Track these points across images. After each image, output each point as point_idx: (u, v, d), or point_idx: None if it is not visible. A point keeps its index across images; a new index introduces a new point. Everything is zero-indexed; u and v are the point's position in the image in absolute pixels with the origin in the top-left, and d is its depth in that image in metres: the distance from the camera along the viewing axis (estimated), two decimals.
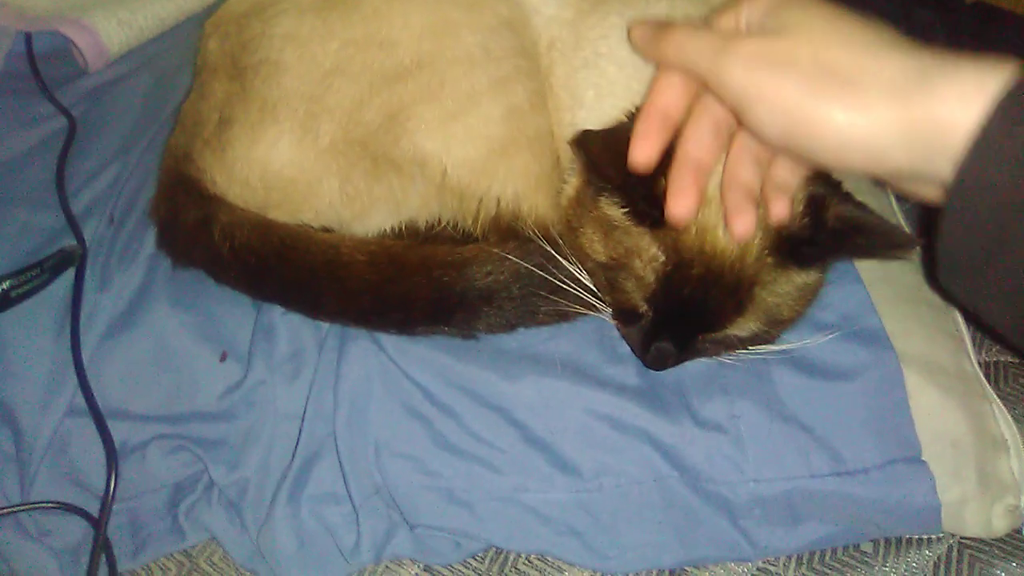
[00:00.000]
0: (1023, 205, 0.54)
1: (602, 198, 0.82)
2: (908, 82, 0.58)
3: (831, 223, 0.77)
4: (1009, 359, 1.03)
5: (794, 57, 0.62)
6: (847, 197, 0.80)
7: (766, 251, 0.77)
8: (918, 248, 0.78)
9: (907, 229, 1.05)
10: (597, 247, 0.84)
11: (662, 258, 0.79)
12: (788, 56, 0.63)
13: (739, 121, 0.71)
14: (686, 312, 0.80)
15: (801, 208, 0.78)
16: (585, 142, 0.78)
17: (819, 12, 0.64)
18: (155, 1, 1.21)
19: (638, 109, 0.83)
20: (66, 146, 1.06)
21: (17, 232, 1.00)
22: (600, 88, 0.90)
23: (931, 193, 0.61)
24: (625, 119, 0.83)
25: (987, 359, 1.02)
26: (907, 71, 0.59)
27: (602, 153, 0.77)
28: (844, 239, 0.77)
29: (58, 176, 1.02)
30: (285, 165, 0.90)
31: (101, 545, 0.84)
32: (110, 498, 0.86)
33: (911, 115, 0.57)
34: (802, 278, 0.80)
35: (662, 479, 0.84)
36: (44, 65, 1.17)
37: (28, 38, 1.19)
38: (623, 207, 0.80)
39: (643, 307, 0.82)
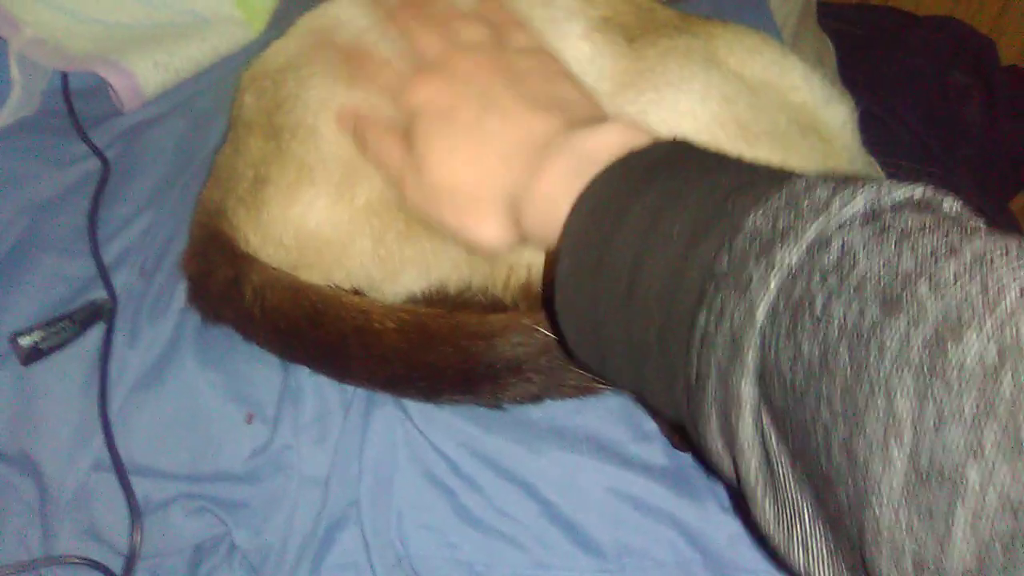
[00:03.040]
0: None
1: None
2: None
3: None
4: None
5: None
6: None
7: None
8: None
9: None
10: None
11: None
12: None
13: None
14: None
15: None
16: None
17: None
18: (191, 43, 1.22)
19: None
20: (98, 191, 1.06)
21: (48, 279, 0.99)
22: None
23: None
24: None
25: None
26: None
27: None
28: None
29: (90, 223, 1.02)
30: (321, 224, 0.90)
31: None
32: (133, 558, 0.86)
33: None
34: None
35: (685, 563, 0.83)
36: (78, 103, 1.17)
37: (64, 76, 1.19)
38: None
39: None
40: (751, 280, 0.51)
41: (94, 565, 0.88)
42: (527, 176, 0.71)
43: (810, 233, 0.50)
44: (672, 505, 0.85)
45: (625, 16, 1.01)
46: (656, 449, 0.88)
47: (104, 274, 0.98)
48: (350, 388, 0.92)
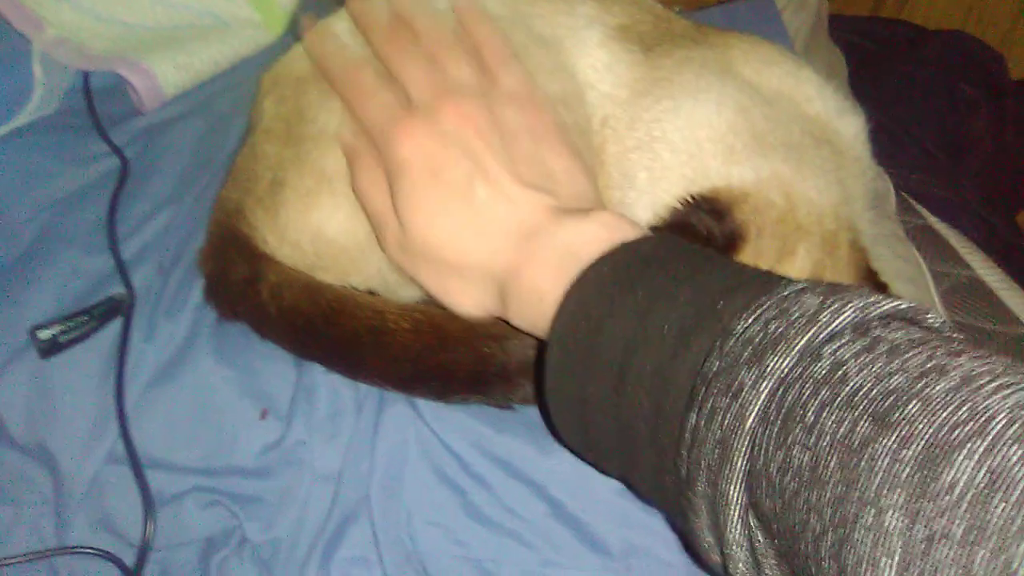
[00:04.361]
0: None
1: None
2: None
3: None
4: None
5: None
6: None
7: None
8: None
9: None
10: None
11: None
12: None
13: None
14: None
15: None
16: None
17: None
18: (211, 45, 1.23)
19: (693, 198, 0.84)
20: (118, 188, 1.07)
21: (67, 274, 1.01)
22: (653, 172, 0.91)
23: None
24: (679, 207, 0.84)
25: None
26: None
27: None
28: None
29: (109, 220, 1.03)
30: (339, 233, 0.91)
31: None
32: (146, 549, 0.87)
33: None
34: None
35: (690, 563, 0.84)
36: (99, 102, 1.19)
37: (85, 75, 1.21)
38: None
39: None
40: (742, 386, 0.52)
41: (107, 556, 0.89)
42: (513, 262, 0.73)
43: (800, 343, 0.51)
44: None
45: (642, 25, 1.03)
46: None
47: (123, 270, 1.00)
48: (363, 386, 0.93)
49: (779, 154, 0.88)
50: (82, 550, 0.90)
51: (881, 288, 0.83)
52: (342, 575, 0.86)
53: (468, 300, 0.79)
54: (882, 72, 1.60)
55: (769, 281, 0.59)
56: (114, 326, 0.96)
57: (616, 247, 0.67)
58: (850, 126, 0.98)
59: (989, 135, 1.58)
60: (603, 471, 0.77)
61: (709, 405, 0.54)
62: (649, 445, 0.61)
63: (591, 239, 0.69)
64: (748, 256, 0.79)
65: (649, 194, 0.90)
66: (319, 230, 0.91)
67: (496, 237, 0.75)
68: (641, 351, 0.60)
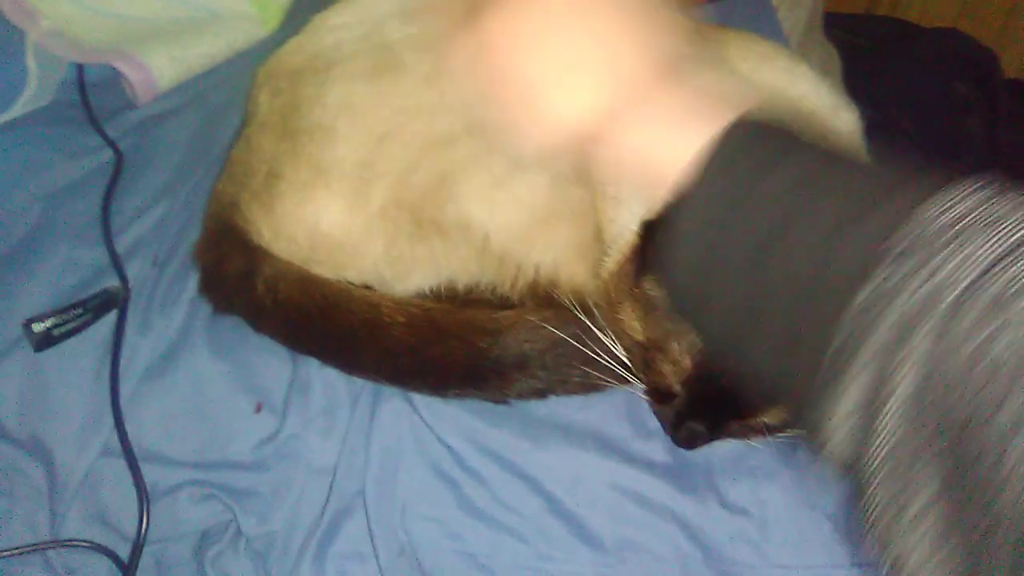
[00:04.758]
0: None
1: (646, 278, 0.83)
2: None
3: None
4: None
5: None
6: None
7: None
8: None
9: None
10: (636, 325, 0.85)
11: (700, 345, 0.80)
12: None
13: None
14: (720, 398, 0.81)
15: None
16: (649, 232, 0.79)
17: None
18: (205, 39, 1.23)
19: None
20: (112, 181, 1.07)
21: (61, 267, 1.01)
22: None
23: None
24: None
25: None
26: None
27: None
28: None
29: (103, 213, 1.03)
30: (334, 227, 0.91)
31: None
32: (141, 542, 0.87)
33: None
34: None
35: (685, 558, 0.85)
36: (93, 95, 1.19)
37: (80, 68, 1.21)
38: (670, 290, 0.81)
39: (677, 388, 0.83)
40: (938, 268, 0.50)
41: (101, 549, 0.89)
42: (624, 96, 0.63)
43: (1017, 234, 0.49)
44: (673, 501, 0.86)
45: None
46: (658, 446, 0.90)
47: (117, 263, 1.00)
48: (358, 381, 0.94)
49: None
50: (76, 543, 0.89)
51: None
52: (337, 569, 0.87)
53: (545, 130, 0.65)
54: (876, 70, 1.60)
55: (945, 173, 0.58)
56: (108, 319, 0.96)
57: (759, 119, 0.62)
58: (846, 122, 0.98)
59: (982, 132, 1.59)
60: (705, 337, 0.71)
61: (890, 282, 0.51)
62: (786, 315, 0.58)
63: (726, 96, 0.63)
64: None
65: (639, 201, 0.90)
66: (314, 223, 0.92)
67: (608, 67, 0.64)
68: (795, 225, 0.56)
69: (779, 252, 0.57)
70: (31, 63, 1.17)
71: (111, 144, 1.13)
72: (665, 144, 0.61)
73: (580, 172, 0.69)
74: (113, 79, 1.20)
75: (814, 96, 0.98)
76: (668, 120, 0.62)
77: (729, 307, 0.61)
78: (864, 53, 1.66)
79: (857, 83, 1.53)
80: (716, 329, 0.65)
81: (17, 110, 1.15)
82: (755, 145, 0.60)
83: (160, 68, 1.18)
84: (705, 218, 0.60)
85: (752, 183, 0.58)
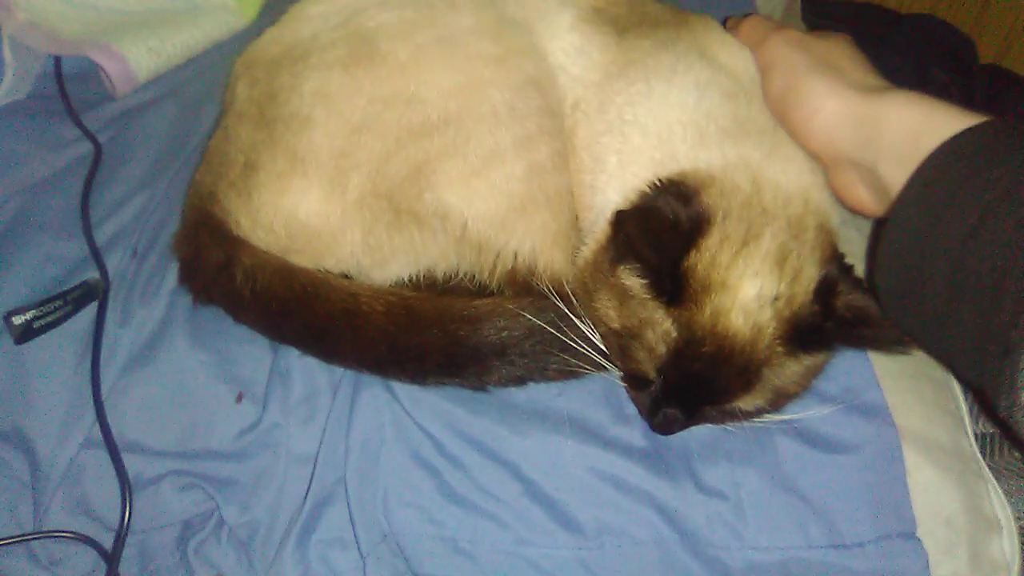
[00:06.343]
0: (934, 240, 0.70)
1: (621, 267, 0.84)
2: (872, 89, 0.83)
3: (841, 311, 0.79)
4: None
5: (810, 47, 0.91)
6: (857, 283, 0.82)
7: (777, 339, 0.79)
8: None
9: None
10: (611, 313, 0.86)
11: (675, 333, 0.81)
12: (806, 45, 0.92)
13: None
14: (695, 384, 0.82)
15: (812, 292, 0.80)
16: (622, 221, 0.81)
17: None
18: (183, 29, 1.23)
19: (660, 181, 0.85)
20: (91, 173, 1.07)
21: (41, 260, 1.01)
22: (623, 155, 0.92)
23: (859, 197, 0.86)
24: (648, 190, 0.85)
25: (983, 430, 1.05)
26: (875, 84, 0.85)
27: (639, 233, 0.79)
28: (851, 330, 0.81)
29: (83, 205, 1.04)
30: (311, 216, 0.92)
31: None
32: (124, 532, 0.88)
33: (865, 110, 0.81)
34: (809, 359, 0.83)
35: (662, 541, 0.86)
36: (71, 87, 1.19)
37: (57, 60, 1.20)
38: (643, 279, 0.82)
39: (653, 375, 0.84)
40: None
41: (85, 540, 0.90)
42: (879, 87, 0.84)
43: None
44: (651, 485, 0.88)
45: (615, 7, 1.03)
46: (636, 431, 0.91)
47: (97, 255, 1.00)
48: (338, 370, 0.95)
49: (750, 139, 0.89)
50: (60, 534, 0.91)
51: (847, 269, 0.85)
52: (319, 555, 0.88)
53: (829, 90, 0.86)
54: None
55: None
56: (89, 311, 0.97)
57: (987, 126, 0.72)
58: None
59: None
60: (900, 316, 0.78)
61: None
62: (992, 289, 0.65)
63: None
64: (715, 239, 0.80)
65: (619, 177, 0.91)
66: (292, 212, 0.92)
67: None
68: (1003, 213, 0.65)
69: (983, 238, 0.66)
70: (7, 55, 1.17)
71: (90, 136, 1.13)
72: (927, 126, 0.74)
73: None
74: (91, 71, 1.20)
75: None
76: (925, 108, 0.77)
77: (936, 284, 0.71)
78: None
79: None
80: (916, 305, 0.74)
81: None
82: (986, 141, 0.71)
83: (138, 59, 1.18)
84: (922, 197, 0.72)
85: (971, 174, 0.69)
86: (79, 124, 1.14)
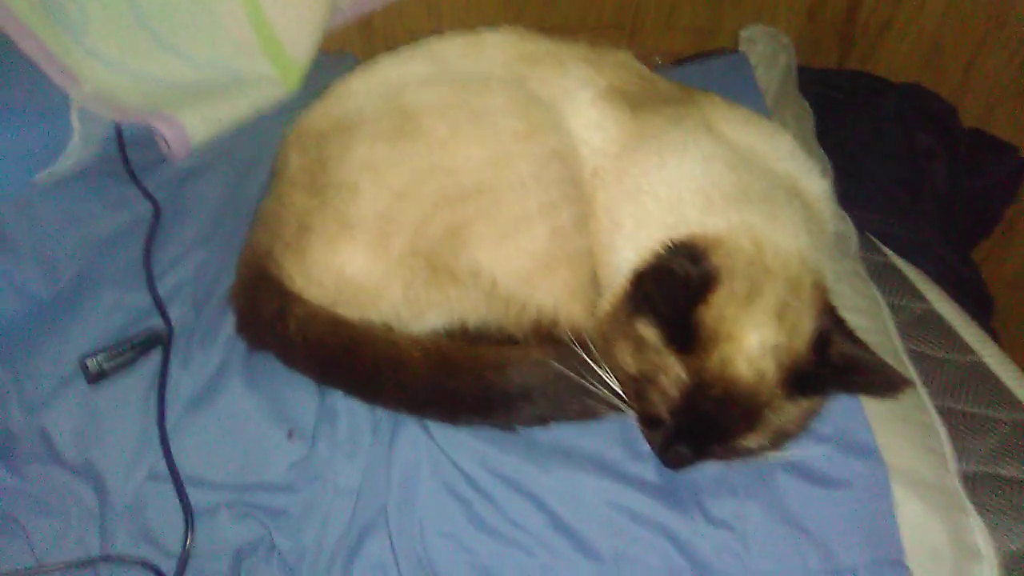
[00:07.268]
0: None
1: (638, 319, 0.93)
2: None
3: (834, 359, 0.89)
4: (987, 470, 1.14)
5: None
6: (849, 334, 0.92)
7: (777, 384, 0.88)
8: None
9: (901, 352, 1.18)
10: (628, 360, 0.94)
11: (686, 378, 0.90)
12: None
13: None
14: (703, 424, 0.91)
15: (808, 343, 0.89)
16: (641, 279, 0.91)
17: None
18: (233, 99, 1.34)
19: (673, 242, 0.94)
20: (152, 230, 1.17)
21: (108, 309, 1.11)
22: (638, 219, 1.01)
23: None
24: (662, 251, 0.94)
25: (967, 469, 1.13)
26: None
27: (655, 289, 0.89)
28: (844, 376, 0.89)
29: (145, 260, 1.13)
30: (358, 273, 1.01)
31: None
32: (186, 557, 0.95)
33: None
34: (806, 403, 0.91)
35: (674, 569, 0.93)
36: (131, 152, 1.29)
37: (118, 126, 1.31)
38: (658, 330, 0.91)
39: (666, 416, 0.92)
40: None
41: (146, 565, 0.97)
42: None
43: None
44: (663, 517, 0.95)
45: (629, 85, 1.14)
46: (650, 468, 0.99)
47: (160, 305, 1.10)
48: (379, 410, 1.03)
49: (752, 205, 0.99)
50: (124, 558, 0.98)
51: (839, 322, 0.94)
52: None
53: None
54: (848, 121, 1.72)
55: None
56: (154, 356, 1.06)
57: None
58: (819, 185, 1.09)
59: (945, 179, 1.71)
60: None
61: None
62: None
63: None
64: (722, 294, 0.89)
65: (634, 239, 1.00)
66: (341, 270, 1.01)
67: None
68: None
69: None
70: (75, 122, 1.27)
71: (149, 196, 1.23)
72: None
73: None
74: (149, 137, 1.30)
75: (790, 160, 1.09)
76: None
77: None
78: (837, 104, 1.78)
79: (832, 133, 1.65)
80: None
81: (63, 165, 1.25)
82: None
83: (193, 126, 1.29)
84: None
85: None
86: (139, 185, 1.24)
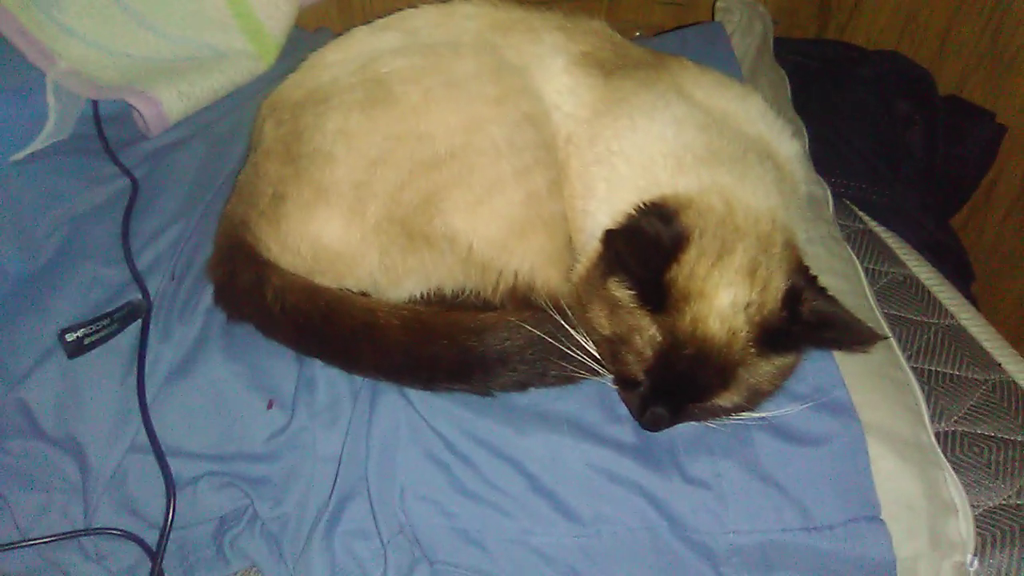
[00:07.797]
0: None
1: (611, 280, 0.94)
2: None
3: (806, 316, 0.89)
4: (964, 429, 1.15)
5: None
6: (821, 291, 0.93)
7: (750, 341, 0.89)
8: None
9: (877, 312, 1.19)
10: (603, 322, 0.95)
11: (659, 338, 0.91)
12: None
13: None
14: (679, 384, 0.92)
15: (780, 300, 0.90)
16: (612, 240, 0.90)
17: None
18: (210, 75, 1.34)
19: (644, 204, 0.95)
20: (130, 206, 1.18)
21: (87, 284, 1.11)
22: (611, 182, 1.02)
23: None
24: (633, 213, 0.95)
25: (943, 428, 1.15)
26: None
27: (626, 250, 0.89)
28: (816, 332, 0.90)
29: (124, 234, 1.14)
30: (334, 240, 1.02)
31: (158, 573, 0.95)
32: (168, 528, 0.96)
33: None
34: (780, 360, 0.92)
35: (653, 528, 0.95)
36: (108, 128, 1.29)
37: (94, 103, 1.31)
38: (630, 290, 0.92)
39: (641, 377, 0.93)
40: None
41: (130, 536, 0.99)
42: None
43: None
44: (641, 478, 0.96)
45: (602, 52, 1.14)
46: (627, 429, 1.00)
47: (138, 279, 1.10)
48: (358, 378, 1.04)
49: (723, 166, 0.99)
50: (107, 531, 0.99)
51: (812, 280, 0.95)
52: (343, 546, 0.96)
53: None
54: (826, 90, 1.72)
55: None
56: (133, 329, 1.07)
57: None
58: (788, 146, 1.10)
59: (923, 146, 1.71)
60: None
61: None
62: None
63: None
64: (693, 254, 0.90)
65: (607, 202, 1.01)
66: (317, 237, 1.02)
67: None
68: None
69: None
70: (50, 99, 1.27)
71: (127, 172, 1.23)
72: None
73: None
74: (125, 113, 1.30)
75: (761, 122, 1.10)
76: None
77: None
78: (815, 74, 1.78)
79: (810, 102, 1.66)
80: None
81: (39, 143, 1.25)
82: None
83: (169, 102, 1.29)
84: None
85: None
86: (117, 162, 1.24)
